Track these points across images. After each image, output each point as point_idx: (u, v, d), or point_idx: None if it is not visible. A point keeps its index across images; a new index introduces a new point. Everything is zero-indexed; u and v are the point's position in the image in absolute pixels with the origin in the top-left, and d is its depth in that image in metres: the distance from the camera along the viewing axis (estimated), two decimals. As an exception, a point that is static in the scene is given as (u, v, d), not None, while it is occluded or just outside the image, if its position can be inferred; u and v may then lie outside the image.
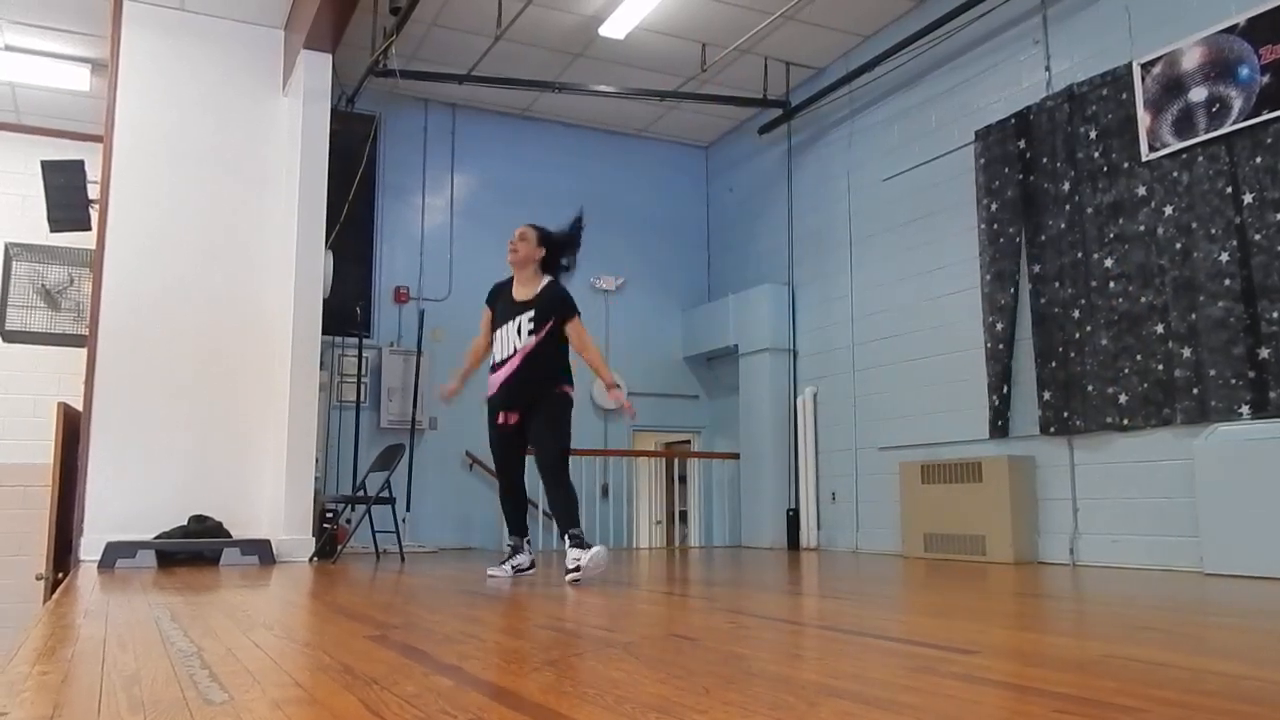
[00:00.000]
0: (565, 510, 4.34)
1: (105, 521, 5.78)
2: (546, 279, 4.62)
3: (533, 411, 4.47)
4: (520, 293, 4.60)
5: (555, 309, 4.52)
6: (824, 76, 7.88)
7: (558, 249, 4.69)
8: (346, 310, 7.37)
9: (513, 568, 4.63)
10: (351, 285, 7.42)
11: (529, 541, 4.73)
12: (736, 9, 7.00)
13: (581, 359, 4.59)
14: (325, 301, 6.39)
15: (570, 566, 4.14)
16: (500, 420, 4.55)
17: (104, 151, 6.31)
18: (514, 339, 4.50)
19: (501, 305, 4.65)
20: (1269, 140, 4.73)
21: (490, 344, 4.66)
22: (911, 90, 7.08)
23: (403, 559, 6.30)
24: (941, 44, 6.71)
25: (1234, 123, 4.87)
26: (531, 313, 4.50)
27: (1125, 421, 5.32)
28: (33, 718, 1.55)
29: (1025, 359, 5.97)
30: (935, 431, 6.56)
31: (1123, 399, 5.33)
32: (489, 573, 4.68)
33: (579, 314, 4.59)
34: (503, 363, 4.53)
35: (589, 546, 4.19)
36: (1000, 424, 6.05)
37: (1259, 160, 4.76)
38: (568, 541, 4.25)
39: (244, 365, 6.37)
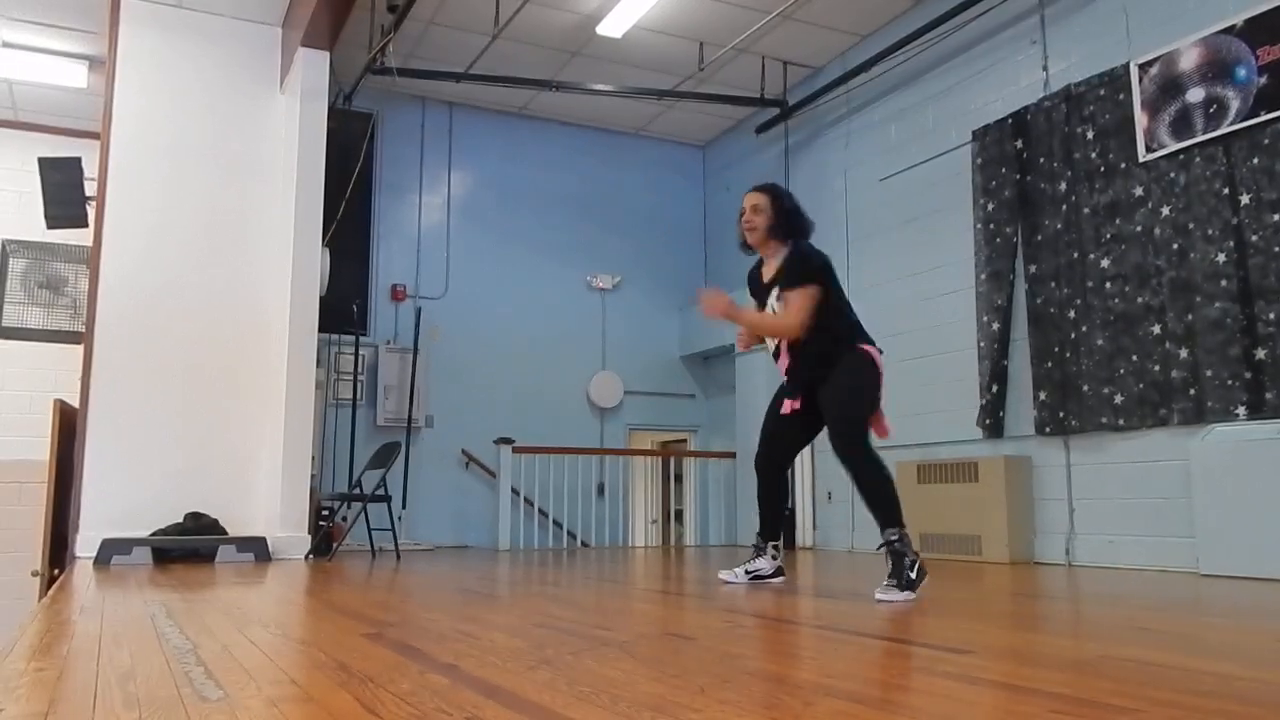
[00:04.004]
0: (871, 500, 3.57)
1: (101, 518, 5.77)
2: (786, 247, 3.86)
3: (820, 389, 3.72)
4: (767, 271, 3.93)
5: (787, 280, 3.75)
6: (821, 76, 7.88)
7: (796, 209, 3.92)
8: (343, 308, 7.37)
9: (746, 572, 3.94)
10: (348, 283, 7.43)
11: (777, 547, 3.95)
12: (734, 8, 7.00)
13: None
14: (322, 299, 6.39)
15: (878, 597, 3.41)
16: (783, 408, 3.84)
17: (101, 148, 6.30)
18: None
19: (757, 291, 3.99)
20: (1266, 141, 4.73)
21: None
22: (909, 90, 7.08)
23: (398, 557, 6.30)
24: (939, 44, 6.71)
25: (1231, 124, 4.87)
26: (776, 291, 3.82)
27: (1121, 422, 5.33)
28: (28, 714, 1.54)
29: (1021, 359, 5.97)
30: (931, 431, 6.56)
31: (1119, 399, 5.34)
32: (720, 576, 4.03)
33: (810, 281, 3.69)
34: (778, 352, 3.86)
35: (904, 579, 3.43)
36: (989, 422, 6.06)
37: (1256, 161, 4.77)
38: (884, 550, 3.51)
39: (240, 362, 6.36)
